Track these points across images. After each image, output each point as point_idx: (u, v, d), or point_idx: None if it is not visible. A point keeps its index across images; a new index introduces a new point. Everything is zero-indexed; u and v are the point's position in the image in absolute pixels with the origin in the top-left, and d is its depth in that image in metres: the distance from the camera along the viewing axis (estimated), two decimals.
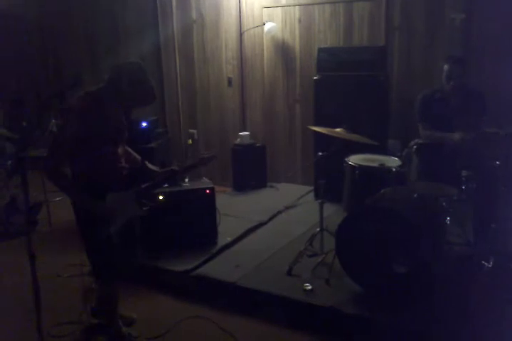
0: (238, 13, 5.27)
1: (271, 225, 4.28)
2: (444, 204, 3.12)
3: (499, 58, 4.14)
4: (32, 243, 2.43)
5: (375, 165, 3.48)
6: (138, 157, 2.98)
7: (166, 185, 3.80)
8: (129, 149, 2.94)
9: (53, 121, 4.34)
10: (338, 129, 3.41)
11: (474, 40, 4.24)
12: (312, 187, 4.92)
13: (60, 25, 6.48)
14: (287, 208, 4.63)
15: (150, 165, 2.97)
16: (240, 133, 5.26)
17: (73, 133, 2.50)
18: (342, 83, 4.51)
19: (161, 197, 3.63)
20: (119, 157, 2.75)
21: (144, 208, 2.79)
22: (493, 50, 4.16)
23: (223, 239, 3.86)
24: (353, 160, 3.65)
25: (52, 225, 4.62)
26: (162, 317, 3.14)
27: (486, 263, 3.07)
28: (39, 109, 4.65)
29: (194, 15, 5.53)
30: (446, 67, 3.58)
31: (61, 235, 4.35)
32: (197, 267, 3.47)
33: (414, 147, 3.38)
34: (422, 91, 3.80)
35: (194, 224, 3.73)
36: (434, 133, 3.58)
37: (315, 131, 3.75)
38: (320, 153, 3.45)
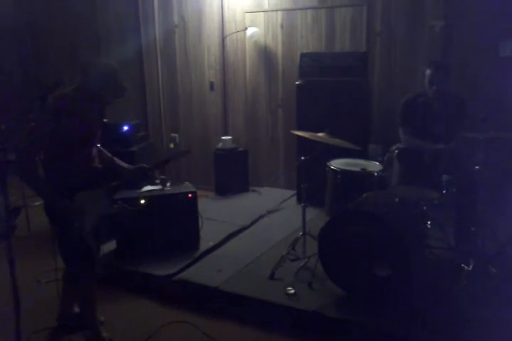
0: (220, 18, 5.28)
1: (253, 229, 4.27)
2: (424, 208, 3.16)
3: (478, 64, 4.21)
4: (11, 248, 2.39)
5: (357, 169, 3.51)
6: (109, 154, 2.97)
7: (148, 188, 3.81)
8: (100, 147, 2.94)
9: (33, 124, 4.28)
10: (320, 134, 3.43)
11: (454, 47, 4.31)
12: (295, 192, 4.93)
13: (40, 29, 6.41)
14: (270, 212, 4.63)
15: (120, 162, 2.97)
16: (222, 138, 5.26)
17: (48, 133, 2.52)
18: (324, 88, 4.54)
19: (142, 201, 3.61)
20: (92, 157, 2.78)
21: (115, 206, 2.81)
22: (472, 56, 4.24)
23: (205, 243, 3.84)
24: (335, 164, 3.67)
25: (31, 230, 4.55)
26: (144, 322, 3.11)
27: (466, 267, 3.10)
28: (19, 113, 4.57)
29: (176, 19, 5.53)
30: (428, 71, 3.62)
31: (39, 240, 4.27)
32: (179, 271, 3.44)
33: (396, 151, 3.42)
34: (405, 95, 3.85)
35: (176, 228, 3.71)
36: (414, 139, 3.63)
37: (298, 135, 3.77)
38: (302, 158, 3.46)
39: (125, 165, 2.96)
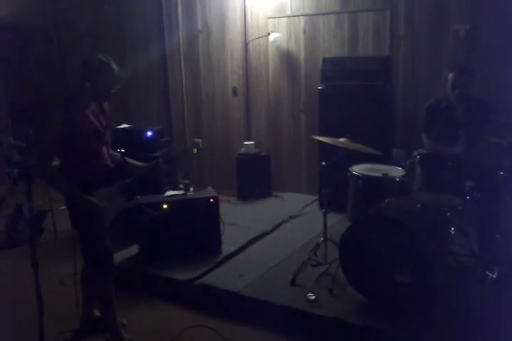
0: (243, 24, 5.31)
1: (275, 234, 4.27)
2: (448, 214, 3.11)
3: (502, 68, 4.14)
4: (36, 251, 2.45)
5: (379, 174, 3.48)
6: (118, 155, 3.07)
7: (170, 193, 3.86)
8: (111, 151, 3.04)
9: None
10: (341, 139, 3.42)
11: (478, 51, 4.25)
12: (317, 197, 4.92)
13: (66, 35, 6.55)
14: (292, 217, 4.63)
15: (130, 160, 3.06)
16: (245, 143, 5.28)
17: (58, 137, 2.67)
18: (347, 93, 4.53)
19: (164, 206, 3.65)
20: (104, 155, 2.88)
21: (130, 200, 2.99)
22: (497, 60, 4.17)
23: (227, 248, 3.86)
24: (357, 169, 3.65)
25: (58, 233, 4.63)
26: (165, 326, 3.14)
27: (490, 274, 3.05)
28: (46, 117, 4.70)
29: (200, 25, 5.58)
30: (450, 75, 3.58)
31: (66, 243, 4.34)
32: (201, 276, 3.47)
33: (418, 157, 3.37)
34: (428, 100, 3.82)
35: (198, 233, 3.74)
36: (437, 144, 3.59)
37: (319, 140, 3.76)
38: (323, 163, 3.46)
39: (136, 162, 3.08)
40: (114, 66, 2.74)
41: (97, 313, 3.11)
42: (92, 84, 2.70)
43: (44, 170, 2.67)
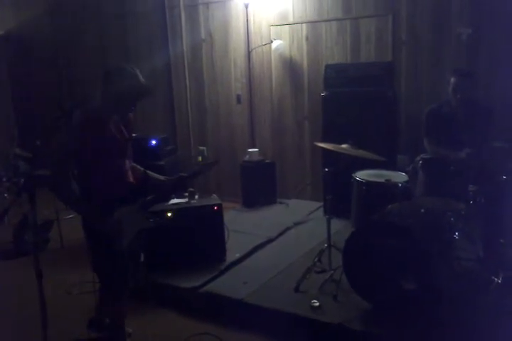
0: (246, 32, 5.34)
1: (280, 241, 4.27)
2: (452, 219, 3.10)
3: (506, 73, 4.13)
4: (39, 261, 2.47)
5: (382, 180, 3.48)
6: (140, 168, 2.91)
7: (174, 201, 3.86)
8: (133, 163, 2.89)
9: (60, 142, 4.41)
10: (343, 145, 3.42)
11: (481, 55, 4.25)
12: (322, 203, 4.91)
13: (72, 45, 6.62)
14: (296, 224, 4.62)
15: (155, 175, 2.88)
16: (249, 150, 5.29)
17: (74, 150, 2.52)
18: (350, 99, 4.53)
19: (169, 214, 3.66)
20: (125, 170, 2.74)
21: (151, 220, 2.75)
22: (500, 63, 4.16)
23: (232, 255, 3.86)
24: (361, 175, 3.65)
25: (64, 243, 4.66)
26: (170, 334, 3.14)
27: (495, 279, 3.03)
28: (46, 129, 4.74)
29: (203, 34, 5.63)
30: (452, 80, 3.59)
31: (72, 252, 4.38)
32: (205, 284, 3.47)
33: (420, 162, 3.38)
34: (429, 105, 3.81)
35: (202, 240, 3.74)
36: (440, 149, 3.58)
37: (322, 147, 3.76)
38: (326, 169, 3.46)
39: (161, 177, 2.88)
40: (141, 77, 2.63)
41: (107, 321, 3.07)
42: (114, 93, 2.57)
43: (62, 191, 2.52)
